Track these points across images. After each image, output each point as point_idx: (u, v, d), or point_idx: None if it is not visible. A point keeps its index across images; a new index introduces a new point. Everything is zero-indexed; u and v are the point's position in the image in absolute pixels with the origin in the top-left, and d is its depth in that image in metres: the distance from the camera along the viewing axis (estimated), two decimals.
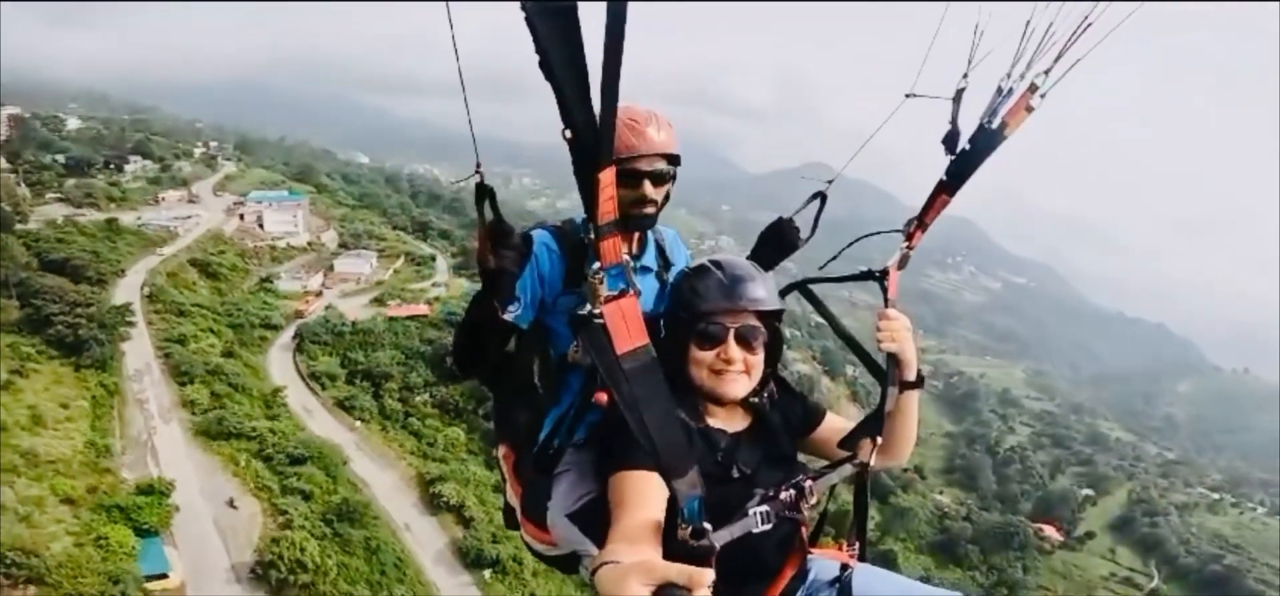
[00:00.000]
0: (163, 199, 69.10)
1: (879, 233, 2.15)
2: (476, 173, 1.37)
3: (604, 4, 0.91)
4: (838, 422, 2.05)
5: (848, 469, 1.80)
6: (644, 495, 1.41)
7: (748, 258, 2.18)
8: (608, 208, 1.13)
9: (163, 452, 29.11)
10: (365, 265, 66.59)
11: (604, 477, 1.57)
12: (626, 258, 1.20)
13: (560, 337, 1.96)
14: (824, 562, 1.86)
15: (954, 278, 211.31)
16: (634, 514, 1.39)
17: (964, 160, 1.80)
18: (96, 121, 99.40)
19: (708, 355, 1.79)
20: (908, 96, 1.86)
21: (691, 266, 1.99)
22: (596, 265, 1.17)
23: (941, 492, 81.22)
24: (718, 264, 1.89)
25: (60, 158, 68.49)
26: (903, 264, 1.99)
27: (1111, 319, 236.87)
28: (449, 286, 64.16)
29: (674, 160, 1.98)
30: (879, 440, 1.84)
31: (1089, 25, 1.51)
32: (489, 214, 1.46)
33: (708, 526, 1.22)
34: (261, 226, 68.86)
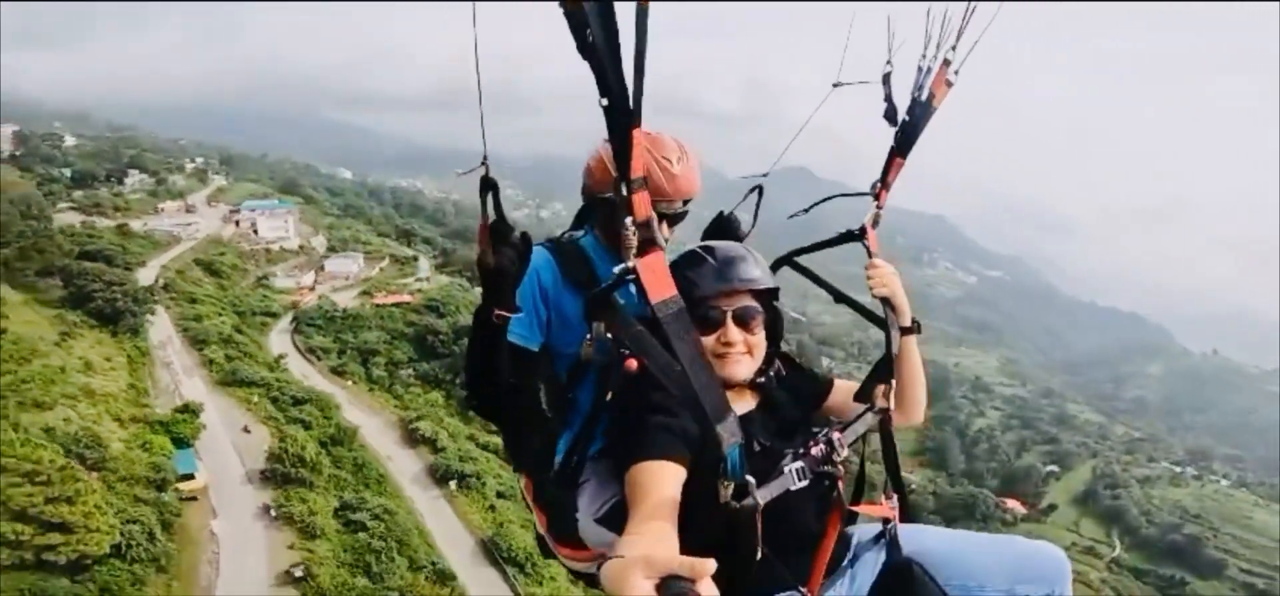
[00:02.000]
0: (162, 208, 75.21)
1: (847, 194, 2.32)
2: (483, 165, 1.49)
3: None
4: (849, 385, 2.07)
5: (869, 419, 1.82)
6: (657, 484, 1.42)
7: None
8: (639, 164, 1.24)
9: (188, 396, 35.45)
10: (353, 265, 73.01)
11: (623, 477, 1.56)
12: (652, 213, 1.29)
13: (565, 343, 1.99)
14: (864, 527, 1.90)
15: (929, 273, 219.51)
16: (647, 503, 1.39)
17: (906, 129, 2.01)
18: (87, 139, 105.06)
19: (708, 340, 1.80)
20: (835, 85, 2.08)
21: (682, 254, 1.99)
22: (629, 219, 1.26)
23: (912, 472, 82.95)
24: (708, 249, 1.92)
25: (67, 171, 74.45)
26: (876, 222, 2.13)
27: (1083, 308, 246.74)
28: (431, 281, 70.63)
29: (690, 200, 2.04)
30: (893, 383, 1.89)
31: (974, 9, 1.82)
32: (491, 211, 1.52)
33: (751, 480, 1.29)
34: (256, 232, 75.18)
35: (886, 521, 1.82)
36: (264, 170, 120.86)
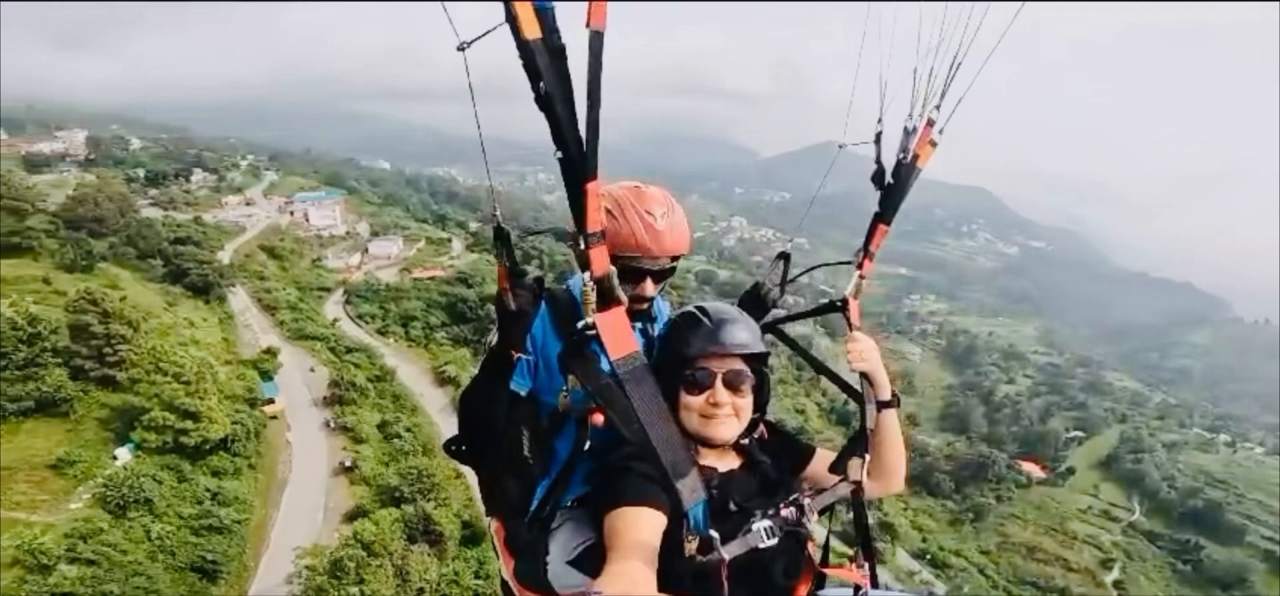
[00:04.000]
0: (226, 202, 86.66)
1: (830, 264, 2.44)
2: (494, 218, 1.57)
3: (587, 41, 1.12)
4: (829, 455, 2.11)
5: (842, 489, 1.88)
6: (636, 528, 1.45)
7: None
8: (594, 218, 1.26)
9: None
10: (394, 246, 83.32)
11: (599, 523, 1.61)
12: (612, 268, 1.32)
13: (548, 392, 2.00)
14: (836, 590, 1.94)
15: (969, 244, 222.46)
16: (626, 546, 1.42)
17: (891, 193, 2.07)
18: (149, 140, 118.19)
19: (697, 400, 1.85)
20: (841, 147, 2.17)
21: (678, 314, 2.05)
22: (586, 275, 1.29)
23: (931, 436, 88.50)
24: (704, 310, 1.96)
25: (140, 171, 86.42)
26: (858, 292, 2.18)
27: (1134, 279, 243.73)
28: (462, 258, 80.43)
29: (678, 257, 2.06)
30: (867, 457, 1.94)
31: (959, 67, 1.90)
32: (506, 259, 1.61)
33: (715, 535, 1.35)
34: (308, 220, 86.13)
35: (857, 588, 1.87)
36: (309, 165, 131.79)
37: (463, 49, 1.12)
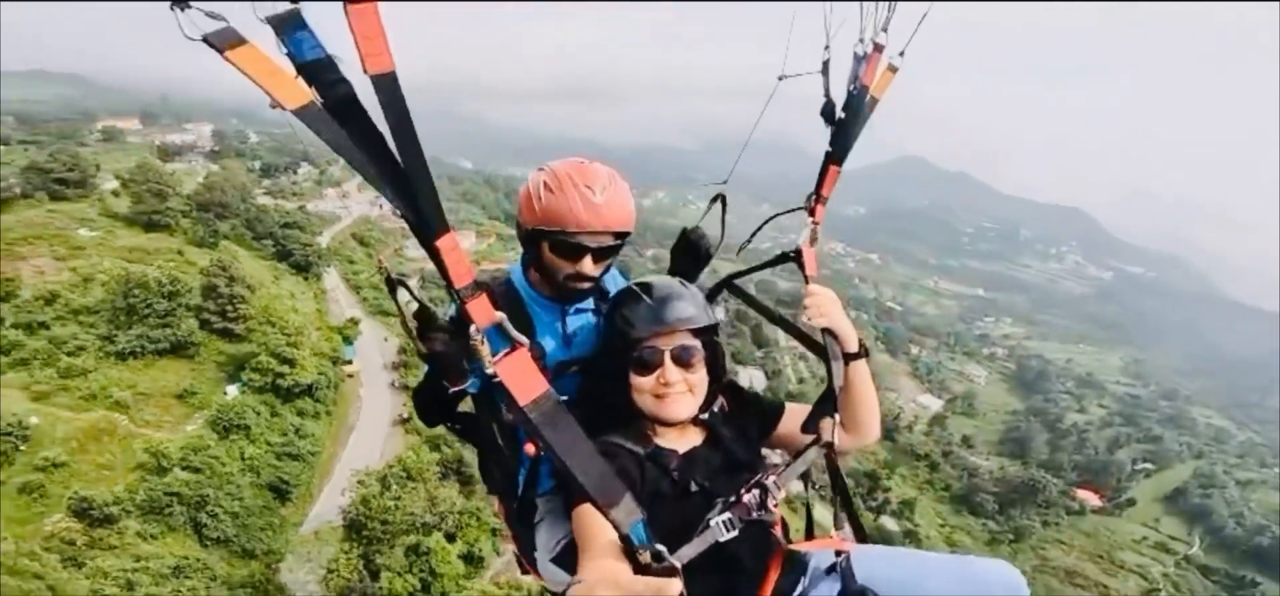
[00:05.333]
0: (326, 194, 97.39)
1: (779, 213, 2.34)
2: (380, 270, 1.54)
3: (372, 82, 1.01)
4: (799, 410, 2.04)
5: (811, 454, 1.81)
6: (602, 522, 1.39)
7: (667, 273, 2.28)
8: (459, 273, 1.20)
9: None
10: (467, 241, 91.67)
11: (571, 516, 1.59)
12: (499, 315, 1.27)
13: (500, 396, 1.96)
14: (820, 555, 1.88)
15: (1054, 267, 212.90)
16: (598, 537, 1.41)
17: (843, 128, 1.98)
18: (263, 134, 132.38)
19: (647, 381, 1.83)
20: (780, 79, 1.99)
21: (617, 293, 1.99)
22: (472, 328, 1.24)
23: (986, 458, 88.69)
24: (645, 287, 1.92)
25: (257, 163, 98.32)
26: (813, 240, 2.09)
27: (1244, 310, 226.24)
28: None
29: (623, 235, 1.99)
30: (837, 417, 1.87)
31: None
32: (409, 302, 1.55)
33: (662, 548, 1.29)
34: (394, 214, 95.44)
35: (840, 552, 1.82)
36: None
37: (274, 107, 1.03)
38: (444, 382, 1.69)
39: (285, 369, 36.48)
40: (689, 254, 2.38)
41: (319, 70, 1.03)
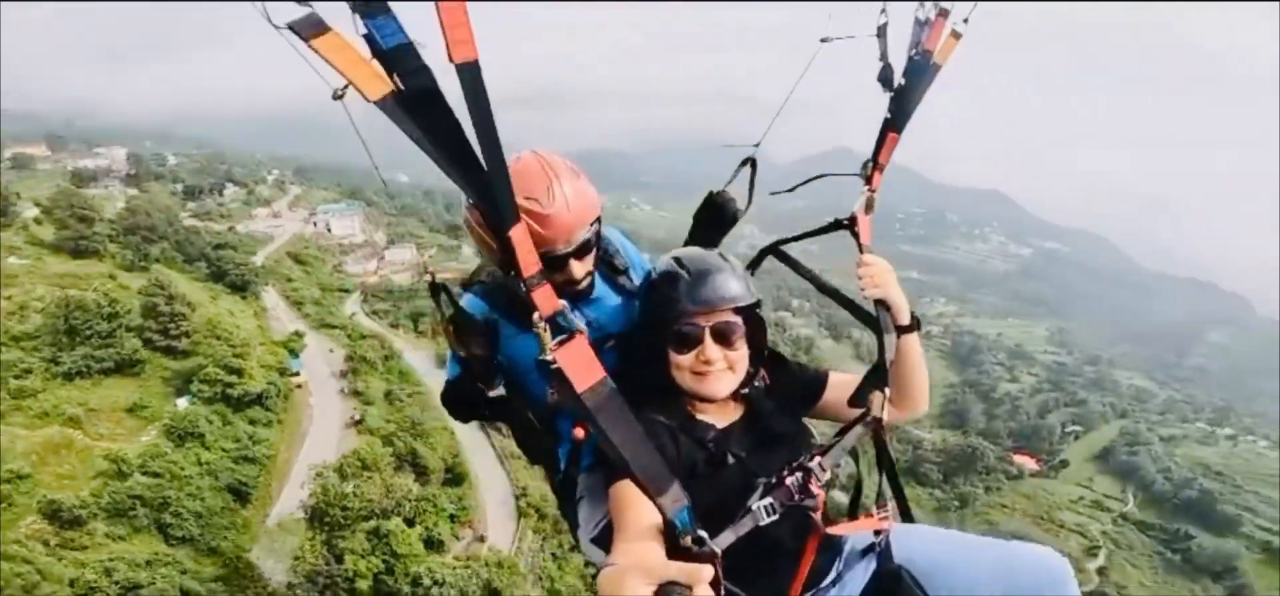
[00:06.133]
0: (255, 214, 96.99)
1: (830, 174, 2.29)
2: (427, 274, 1.60)
3: (458, 75, 1.03)
4: (844, 380, 2.03)
5: (859, 431, 1.76)
6: (642, 499, 1.43)
7: (686, 242, 2.31)
8: (529, 262, 1.25)
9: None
10: (408, 253, 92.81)
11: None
12: (562, 303, 1.31)
13: (533, 383, 2.01)
14: (857, 534, 1.86)
15: (981, 247, 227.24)
16: (634, 519, 1.42)
17: (903, 95, 1.96)
18: (184, 156, 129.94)
19: (687, 358, 1.82)
20: (823, 41, 1.97)
21: (657, 270, 1.96)
22: (536, 315, 1.27)
23: (929, 430, 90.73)
24: (681, 263, 1.90)
25: (178, 186, 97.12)
26: (869, 207, 2.07)
27: (1157, 279, 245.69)
28: (471, 263, 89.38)
29: (596, 221, 1.98)
30: (887, 391, 1.84)
31: None
32: (447, 307, 1.59)
33: (704, 534, 1.32)
34: (330, 230, 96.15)
35: (878, 532, 1.81)
36: (332, 178, 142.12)
37: (339, 97, 1.04)
38: (478, 384, 1.85)
39: (234, 379, 38.10)
40: (714, 218, 2.37)
41: (400, 58, 1.04)
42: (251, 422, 38.59)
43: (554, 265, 1.91)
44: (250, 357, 39.90)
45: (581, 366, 1.29)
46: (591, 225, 1.97)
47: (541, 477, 30.17)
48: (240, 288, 57.74)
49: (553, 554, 36.51)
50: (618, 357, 2.06)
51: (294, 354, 47.66)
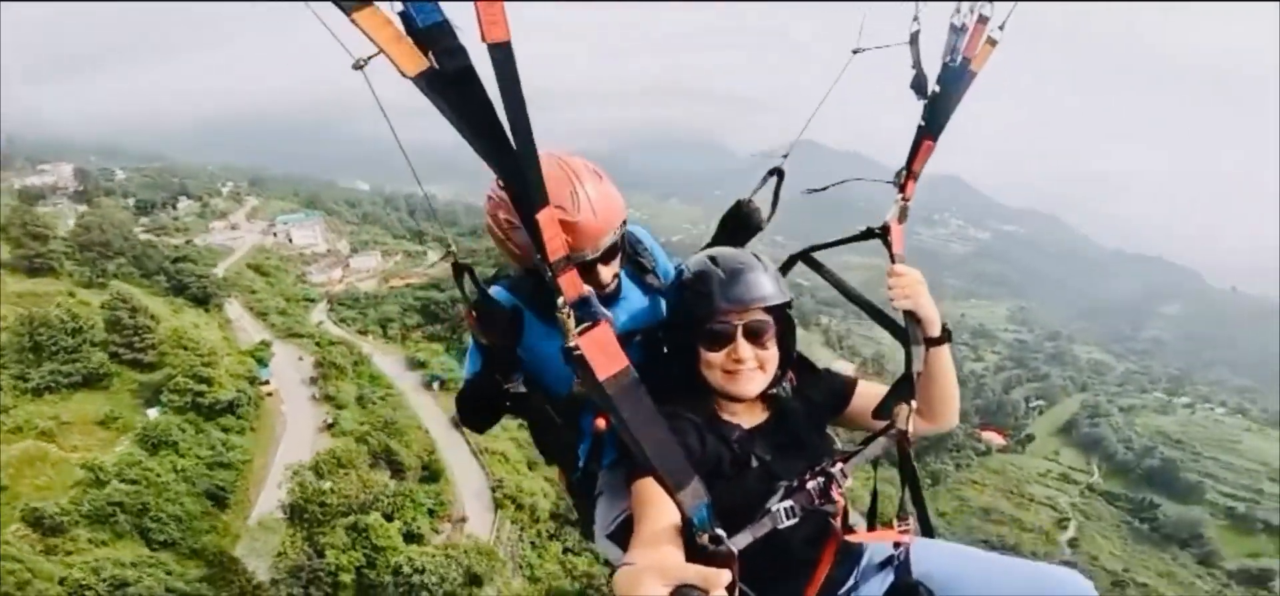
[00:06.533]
0: (213, 227, 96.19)
1: (864, 179, 2.40)
2: (450, 254, 1.58)
3: (490, 57, 1.03)
4: (871, 389, 2.05)
5: (882, 442, 1.81)
6: (662, 498, 1.44)
7: (707, 245, 2.34)
8: (556, 245, 1.24)
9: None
10: (373, 261, 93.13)
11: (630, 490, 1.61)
12: (588, 289, 1.31)
13: (554, 379, 2.03)
14: (877, 544, 1.88)
15: (941, 232, 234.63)
16: (653, 518, 1.43)
17: (937, 102, 1.97)
18: (133, 171, 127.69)
19: (718, 356, 1.84)
20: (855, 52, 2.02)
21: (691, 268, 1.98)
22: (561, 301, 1.27)
23: (895, 410, 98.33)
24: (716, 261, 1.92)
25: (129, 201, 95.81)
26: (903, 217, 2.11)
27: (1109, 256, 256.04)
28: (438, 267, 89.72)
29: (622, 223, 2.01)
30: (914, 404, 1.87)
31: None
32: (471, 290, 1.59)
33: (722, 533, 1.33)
34: (291, 240, 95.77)
35: (898, 544, 1.81)
36: (289, 188, 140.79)
37: (359, 67, 1.05)
38: (497, 376, 1.86)
39: (203, 388, 38.92)
40: (738, 226, 2.44)
41: (436, 37, 1.05)
42: (224, 430, 39.29)
43: (580, 271, 1.91)
44: (218, 366, 40.63)
45: (605, 354, 1.31)
46: (617, 229, 1.99)
47: (517, 469, 32.12)
48: (202, 301, 58.00)
49: (532, 542, 37.89)
50: (643, 354, 2.08)
51: (262, 363, 48.25)
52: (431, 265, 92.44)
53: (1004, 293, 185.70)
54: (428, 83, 1.04)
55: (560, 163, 1.94)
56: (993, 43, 1.91)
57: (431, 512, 37.05)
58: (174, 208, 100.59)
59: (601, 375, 1.29)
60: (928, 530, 2.01)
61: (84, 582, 24.08)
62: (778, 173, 2.44)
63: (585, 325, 1.29)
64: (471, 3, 1.02)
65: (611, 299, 2.13)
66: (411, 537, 34.11)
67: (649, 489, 1.49)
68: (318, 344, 56.04)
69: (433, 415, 47.69)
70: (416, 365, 55.79)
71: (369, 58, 1.03)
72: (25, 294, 45.65)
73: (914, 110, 1.93)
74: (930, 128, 1.99)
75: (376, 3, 1.01)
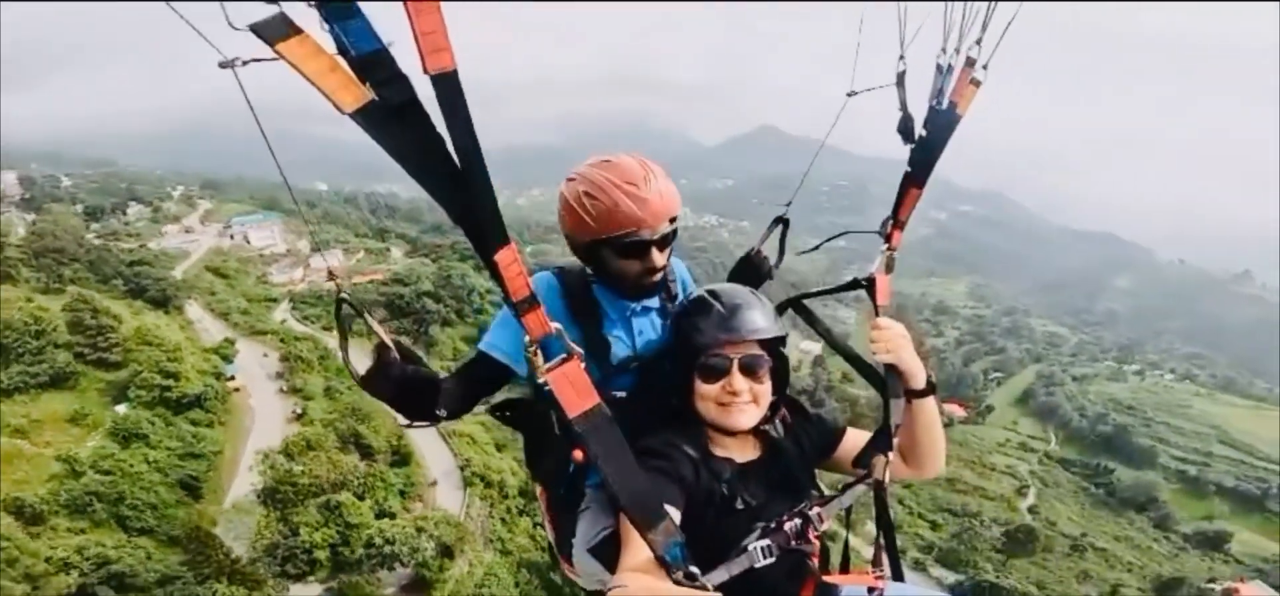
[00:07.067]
0: (165, 231, 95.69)
1: (851, 232, 2.46)
2: (337, 292, 1.53)
3: (431, 82, 0.96)
4: (858, 436, 2.10)
5: (859, 490, 1.88)
6: None
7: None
8: (517, 286, 1.20)
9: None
10: (335, 259, 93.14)
11: (618, 511, 1.61)
12: (555, 327, 1.28)
13: None
14: (853, 588, 1.88)
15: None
16: (639, 544, 1.43)
17: (924, 146, 2.00)
18: (81, 177, 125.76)
19: (713, 388, 1.88)
20: (850, 95, 2.05)
21: (688, 300, 2.05)
22: (526, 338, 1.25)
23: (865, 389, 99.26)
24: (715, 294, 1.97)
25: (78, 207, 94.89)
26: (889, 268, 2.17)
27: (1062, 233, 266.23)
28: (401, 263, 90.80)
29: (676, 217, 2.06)
30: (890, 455, 1.92)
31: None
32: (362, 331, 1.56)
33: (696, 570, 1.36)
34: (248, 242, 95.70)
35: (871, 590, 1.82)
36: (244, 191, 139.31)
37: (227, 67, 0.94)
38: (405, 418, 1.81)
39: (170, 383, 40.26)
40: (748, 276, 2.51)
41: (375, 66, 0.98)
42: (193, 423, 40.59)
43: (639, 251, 2.02)
44: (185, 361, 41.67)
45: (575, 390, 1.29)
46: (674, 220, 2.07)
47: (485, 450, 34.51)
48: (162, 303, 58.68)
49: (501, 518, 39.93)
50: (639, 379, 2.16)
51: (227, 359, 49.32)
52: (394, 262, 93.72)
53: (961, 270, 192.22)
54: (367, 118, 0.97)
55: (637, 157, 2.05)
56: (976, 84, 1.93)
57: (402, 493, 38.94)
58: (124, 213, 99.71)
59: (571, 412, 1.28)
60: (898, 575, 2.03)
61: (69, 560, 25.58)
62: (784, 222, 2.50)
63: (557, 360, 1.29)
64: (407, 21, 0.93)
65: (660, 289, 2.21)
66: (383, 516, 35.95)
67: None
68: (282, 340, 57.27)
69: None
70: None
71: (246, 61, 0.95)
72: None
73: (874, 99, 1.90)
74: (917, 175, 2.05)
75: (306, 32, 0.95)
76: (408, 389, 1.74)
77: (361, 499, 35.25)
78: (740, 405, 1.88)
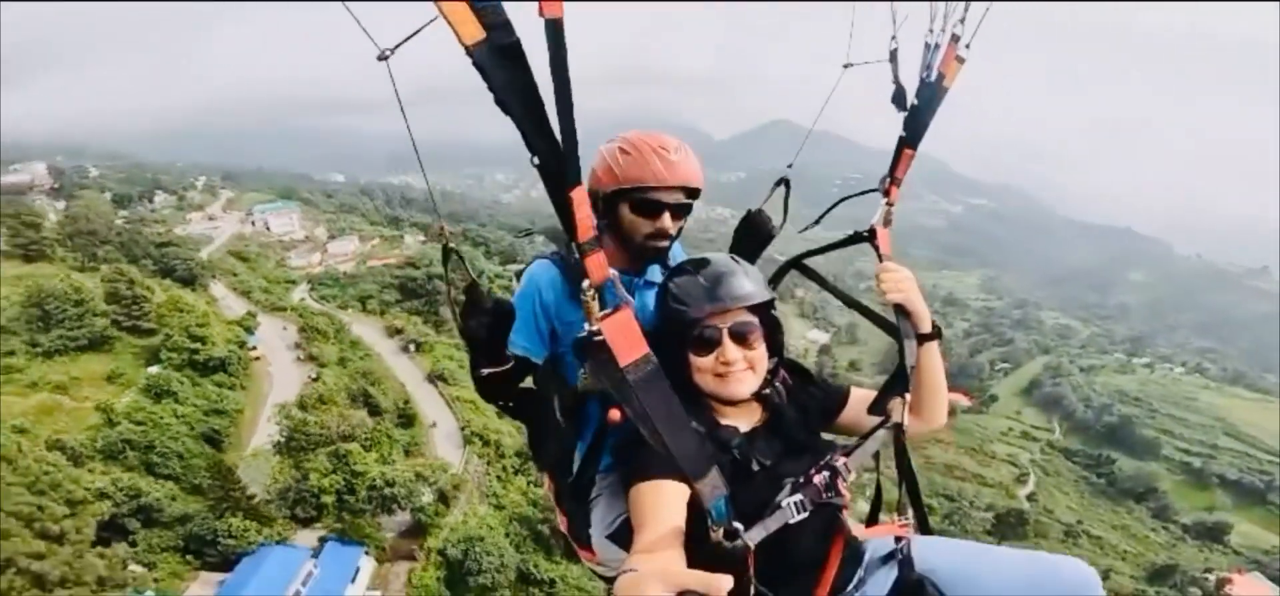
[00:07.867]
0: (190, 218, 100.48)
1: (852, 195, 2.44)
2: (441, 236, 1.59)
3: (543, 31, 1.06)
4: (864, 394, 2.12)
5: (882, 436, 1.86)
6: (662, 503, 1.49)
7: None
8: (585, 226, 1.26)
9: None
10: (351, 246, 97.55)
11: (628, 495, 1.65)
12: (613, 272, 1.34)
13: (574, 367, 2.09)
14: (878, 541, 1.92)
15: (912, 206, 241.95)
16: (653, 523, 1.47)
17: (916, 114, 2.08)
18: (106, 168, 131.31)
19: (707, 360, 1.88)
20: (846, 67, 2.17)
21: (670, 273, 2.06)
22: (586, 282, 1.31)
23: (872, 378, 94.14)
24: (697, 264, 1.99)
25: (107, 195, 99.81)
26: (887, 221, 2.20)
27: (1076, 227, 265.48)
28: (414, 248, 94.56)
29: (694, 194, 2.15)
30: (908, 396, 1.95)
31: None
32: (461, 274, 1.63)
33: (739, 526, 1.37)
34: (268, 228, 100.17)
35: (899, 539, 1.86)
36: (263, 182, 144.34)
37: (384, 58, 1.08)
38: (478, 365, 1.87)
39: (198, 346, 44.18)
40: (751, 237, 2.56)
41: (488, 11, 1.08)
42: (218, 384, 44.51)
43: (653, 209, 2.09)
44: (211, 327, 45.63)
45: (626, 339, 1.33)
46: (690, 194, 2.14)
47: (485, 414, 38.28)
48: (188, 281, 62.98)
49: (498, 476, 43.26)
50: None
51: (249, 331, 53.32)
52: (408, 247, 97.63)
53: (973, 262, 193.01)
54: (484, 54, 1.06)
55: (666, 134, 2.18)
56: (960, 60, 2.07)
57: (406, 451, 42.45)
58: (150, 201, 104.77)
59: (623, 361, 1.32)
60: (924, 527, 2.04)
61: (104, 490, 29.46)
62: (785, 183, 2.56)
63: (608, 310, 1.34)
64: None
65: (662, 257, 2.25)
66: (386, 464, 39.45)
67: (649, 494, 1.59)
68: (301, 315, 61.35)
69: (409, 373, 53.40)
70: (395, 332, 61.30)
71: (393, 49, 1.07)
72: (25, 276, 50.47)
73: (881, 91, 2.07)
74: (910, 139, 2.12)
75: None
76: (499, 317, 1.81)
77: (368, 450, 38.71)
78: (736, 373, 1.89)
